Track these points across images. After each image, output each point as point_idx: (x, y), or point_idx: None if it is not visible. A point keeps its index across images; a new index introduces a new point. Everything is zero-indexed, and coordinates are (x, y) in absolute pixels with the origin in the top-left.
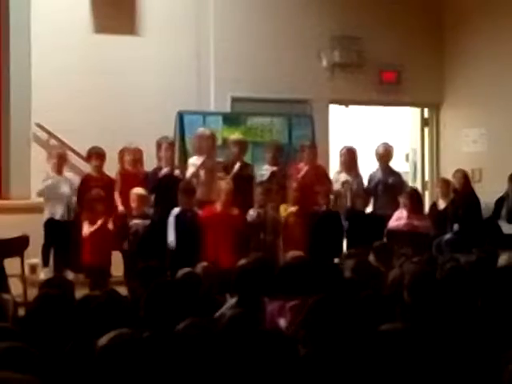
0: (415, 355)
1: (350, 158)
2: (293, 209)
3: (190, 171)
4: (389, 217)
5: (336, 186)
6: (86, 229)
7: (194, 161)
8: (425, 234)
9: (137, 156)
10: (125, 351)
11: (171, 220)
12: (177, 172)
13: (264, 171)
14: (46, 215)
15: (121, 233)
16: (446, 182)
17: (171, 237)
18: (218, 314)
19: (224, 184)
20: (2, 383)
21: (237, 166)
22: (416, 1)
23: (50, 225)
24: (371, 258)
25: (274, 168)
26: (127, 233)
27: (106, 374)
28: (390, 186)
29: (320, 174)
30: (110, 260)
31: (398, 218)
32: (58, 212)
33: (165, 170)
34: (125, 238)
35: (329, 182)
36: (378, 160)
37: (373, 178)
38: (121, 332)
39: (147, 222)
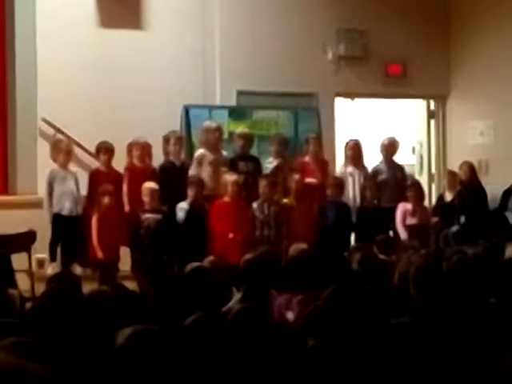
0: (424, 348)
1: (356, 152)
2: (286, 200)
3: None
4: (394, 209)
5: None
6: (95, 222)
7: (202, 152)
8: (430, 226)
9: (145, 150)
10: (147, 348)
11: (181, 205)
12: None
13: (268, 164)
14: (53, 210)
15: (130, 228)
16: (452, 174)
17: (180, 215)
18: (225, 308)
19: (229, 176)
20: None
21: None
22: None
23: (58, 220)
24: (376, 251)
25: (280, 161)
26: (137, 228)
27: (124, 370)
28: (394, 180)
29: (324, 167)
30: (119, 254)
31: (404, 215)
32: (66, 207)
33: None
34: (134, 232)
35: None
36: (382, 153)
37: (377, 171)
38: (139, 328)
39: (159, 216)
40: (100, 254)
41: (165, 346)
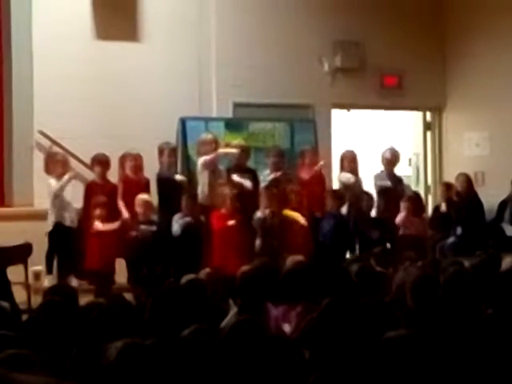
0: (421, 361)
1: (354, 163)
2: (302, 220)
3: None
4: (391, 221)
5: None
6: (100, 226)
7: (203, 158)
8: (426, 238)
9: (138, 162)
10: (137, 362)
11: (176, 218)
12: (178, 177)
13: (268, 177)
14: (52, 220)
15: (125, 240)
16: (448, 186)
17: (176, 227)
18: (223, 323)
19: (228, 190)
20: None
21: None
22: (418, 5)
23: (57, 230)
24: (372, 263)
25: (278, 173)
26: (133, 239)
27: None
28: (393, 190)
29: (320, 180)
30: (114, 266)
31: (400, 226)
32: (66, 217)
33: (178, 177)
34: (130, 244)
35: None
36: (384, 164)
37: (378, 181)
38: (129, 342)
39: (153, 228)
40: (95, 265)
41: (155, 359)
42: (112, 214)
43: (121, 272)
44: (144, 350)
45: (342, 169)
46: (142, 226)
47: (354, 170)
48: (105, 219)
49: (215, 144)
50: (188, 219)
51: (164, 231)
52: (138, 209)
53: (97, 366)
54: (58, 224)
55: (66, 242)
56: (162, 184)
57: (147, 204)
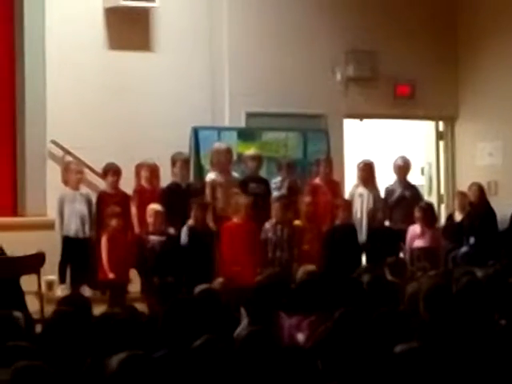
0: (432, 374)
1: (368, 172)
2: (297, 222)
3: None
4: (405, 231)
5: (353, 200)
6: (105, 243)
7: (212, 176)
8: (439, 249)
9: (154, 172)
10: (136, 374)
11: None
12: None
13: (274, 184)
14: (61, 232)
15: (137, 249)
16: (462, 195)
17: (183, 237)
18: (236, 333)
19: (243, 199)
20: None
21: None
22: (430, 14)
23: (66, 242)
24: (386, 273)
25: (289, 182)
26: (143, 249)
27: None
28: (407, 200)
29: (335, 189)
30: (129, 276)
31: (413, 237)
32: (72, 229)
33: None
34: (140, 254)
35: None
36: (395, 173)
37: (391, 191)
38: (131, 354)
39: (163, 238)
40: (111, 275)
41: (160, 371)
42: (124, 224)
43: (135, 281)
44: (146, 361)
45: (357, 179)
46: (153, 237)
47: (369, 181)
48: (121, 229)
49: (229, 154)
50: (191, 225)
51: (173, 241)
52: (149, 219)
53: (100, 378)
54: (72, 235)
55: (79, 251)
56: (171, 193)
57: (158, 214)
